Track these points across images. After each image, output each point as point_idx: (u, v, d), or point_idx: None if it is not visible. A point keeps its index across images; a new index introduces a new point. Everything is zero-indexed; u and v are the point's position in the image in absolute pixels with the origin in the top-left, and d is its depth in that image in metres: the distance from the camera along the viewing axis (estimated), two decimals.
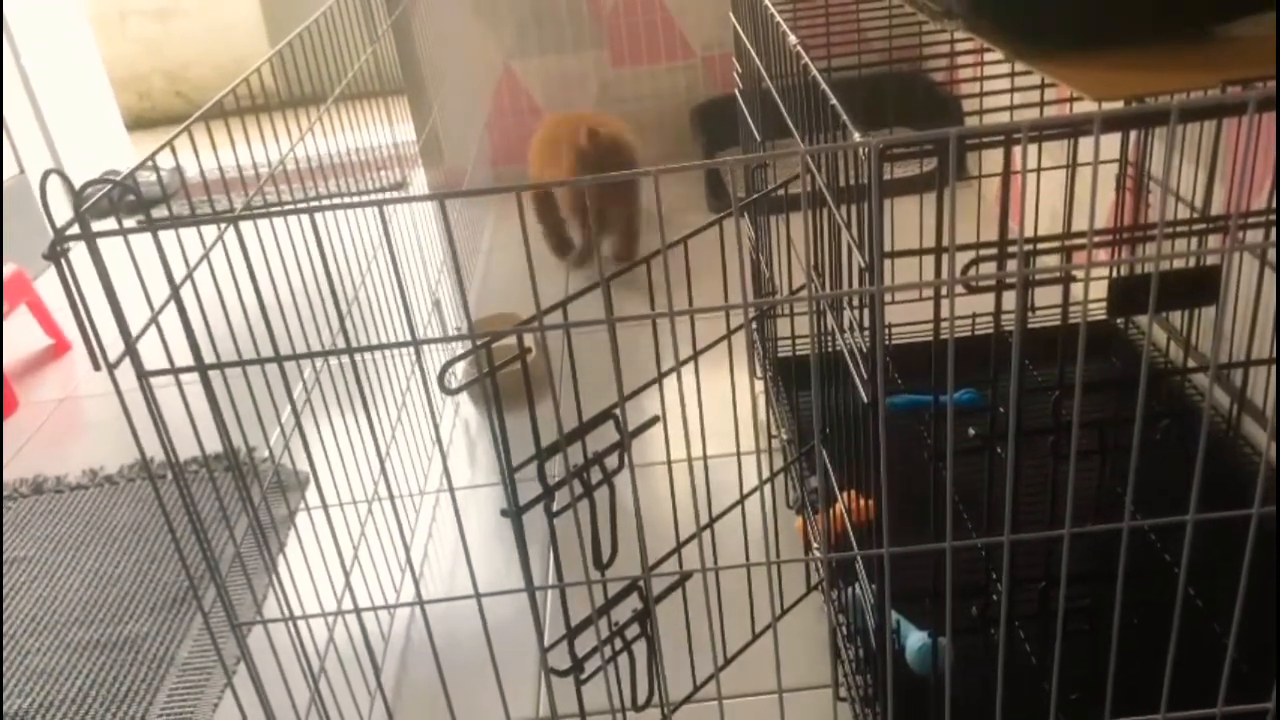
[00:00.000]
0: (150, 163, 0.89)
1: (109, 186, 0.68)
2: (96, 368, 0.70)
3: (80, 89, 3.09)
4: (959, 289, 0.68)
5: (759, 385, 1.56)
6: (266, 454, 1.60)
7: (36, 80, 2.81)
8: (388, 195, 0.66)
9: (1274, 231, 0.89)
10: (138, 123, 3.89)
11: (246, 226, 1.03)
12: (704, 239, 0.85)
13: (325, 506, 0.85)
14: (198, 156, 1.03)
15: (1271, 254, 1.01)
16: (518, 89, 2.70)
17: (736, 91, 1.45)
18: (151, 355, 0.74)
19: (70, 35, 3.10)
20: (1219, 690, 0.74)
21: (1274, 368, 0.98)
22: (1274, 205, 1.05)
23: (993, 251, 0.76)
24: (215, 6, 3.98)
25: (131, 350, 0.71)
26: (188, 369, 0.72)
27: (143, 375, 0.71)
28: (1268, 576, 0.75)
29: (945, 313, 0.82)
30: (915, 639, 0.99)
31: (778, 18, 0.97)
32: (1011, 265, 0.72)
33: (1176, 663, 0.73)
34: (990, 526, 0.99)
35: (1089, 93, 0.74)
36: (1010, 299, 0.79)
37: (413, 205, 1.89)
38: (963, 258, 0.74)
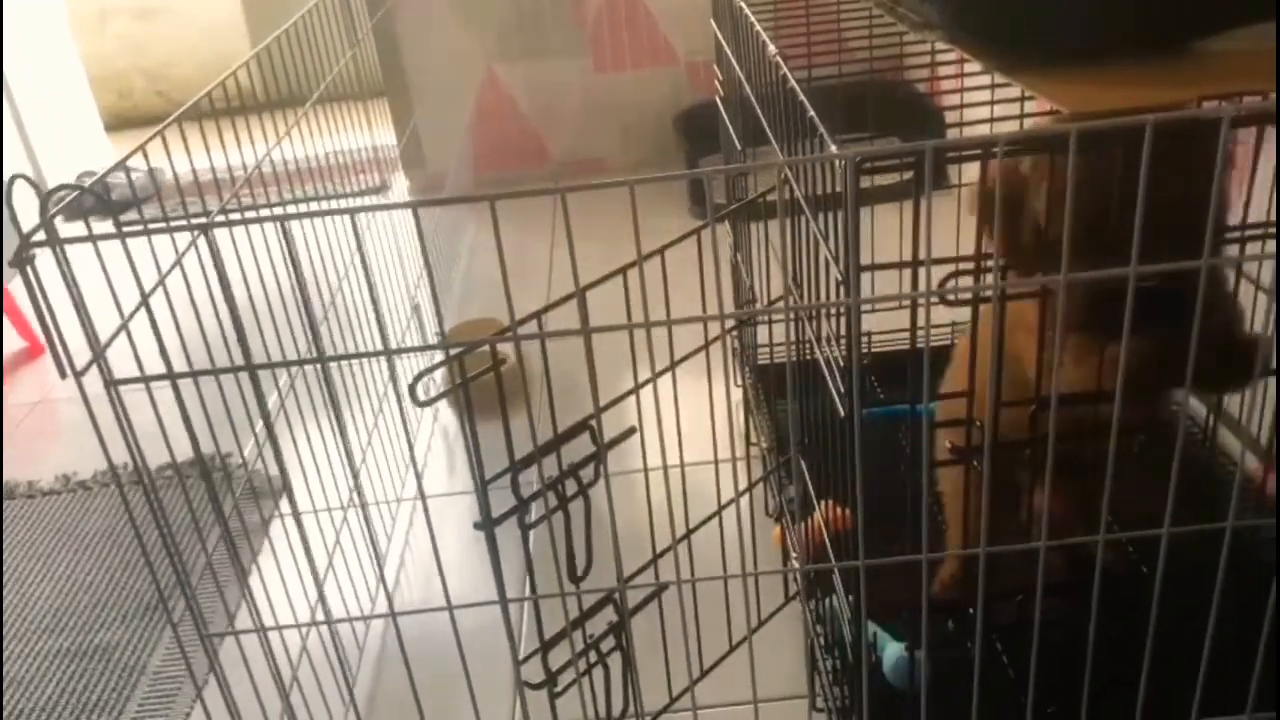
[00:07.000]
0: (124, 166, 0.87)
1: (76, 193, 0.67)
2: (63, 375, 0.69)
3: (58, 88, 3.06)
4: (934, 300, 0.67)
5: (739, 393, 1.56)
6: (241, 460, 1.58)
7: (13, 79, 2.78)
8: (359, 203, 0.65)
9: (1248, 247, 0.89)
10: (119, 122, 3.85)
11: (220, 231, 1.01)
12: (684, 245, 0.84)
13: (296, 514, 0.84)
14: (170, 159, 1.02)
15: (1249, 267, 1.01)
16: (500, 93, 2.69)
17: (718, 99, 1.44)
18: (124, 361, 0.73)
19: (48, 33, 3.07)
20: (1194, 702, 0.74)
21: (1273, 380, 0.98)
22: (1249, 220, 1.05)
23: (971, 265, 0.76)
24: (197, 6, 3.95)
25: (99, 358, 0.69)
26: (157, 377, 0.71)
27: (110, 384, 0.70)
28: (1245, 587, 0.75)
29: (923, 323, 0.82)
30: (892, 651, 0.98)
31: (757, 26, 0.97)
32: (988, 279, 0.72)
33: (1155, 675, 0.73)
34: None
35: (1066, 105, 0.74)
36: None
37: (391, 210, 1.88)
38: (944, 269, 0.74)
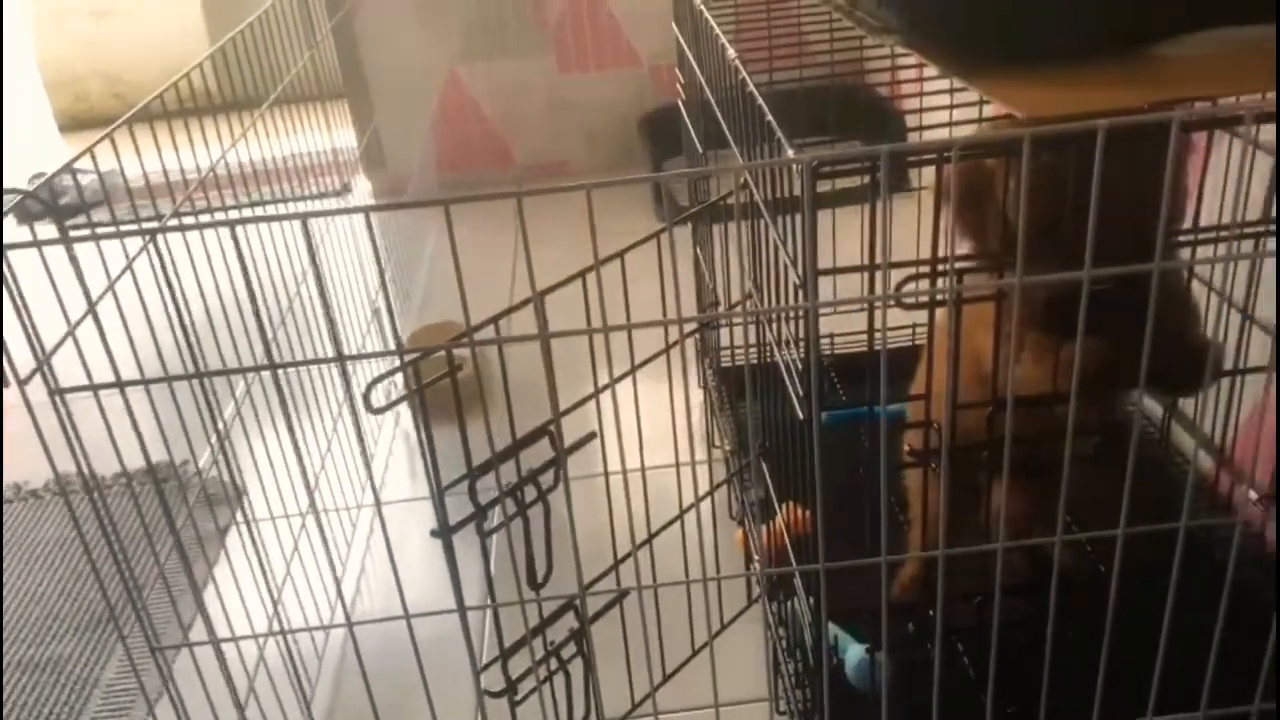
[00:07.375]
0: (71, 169, 0.86)
1: (19, 198, 0.65)
2: (4, 384, 0.67)
3: (11, 89, 3.00)
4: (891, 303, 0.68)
5: (702, 396, 1.56)
6: (195, 469, 1.56)
7: None
8: (313, 207, 0.64)
9: (1201, 251, 0.90)
10: (75, 124, 3.78)
11: (173, 236, 0.98)
12: (647, 248, 0.84)
13: (250, 522, 0.82)
14: (120, 163, 1.00)
15: (1202, 269, 1.03)
16: (463, 95, 2.67)
17: (679, 102, 1.44)
18: (74, 369, 0.71)
19: (3, 34, 3.01)
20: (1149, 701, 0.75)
21: (1227, 380, 1.00)
22: (1202, 222, 1.06)
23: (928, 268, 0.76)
24: (155, 7, 3.89)
25: (43, 366, 0.68)
26: (104, 385, 0.69)
27: (55, 393, 0.68)
28: (1201, 585, 0.76)
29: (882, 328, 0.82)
30: (854, 653, 0.98)
31: (717, 30, 0.97)
32: (943, 283, 0.72)
33: (1113, 674, 0.74)
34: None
35: (1021, 110, 0.75)
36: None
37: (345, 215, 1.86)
38: (904, 271, 0.74)
